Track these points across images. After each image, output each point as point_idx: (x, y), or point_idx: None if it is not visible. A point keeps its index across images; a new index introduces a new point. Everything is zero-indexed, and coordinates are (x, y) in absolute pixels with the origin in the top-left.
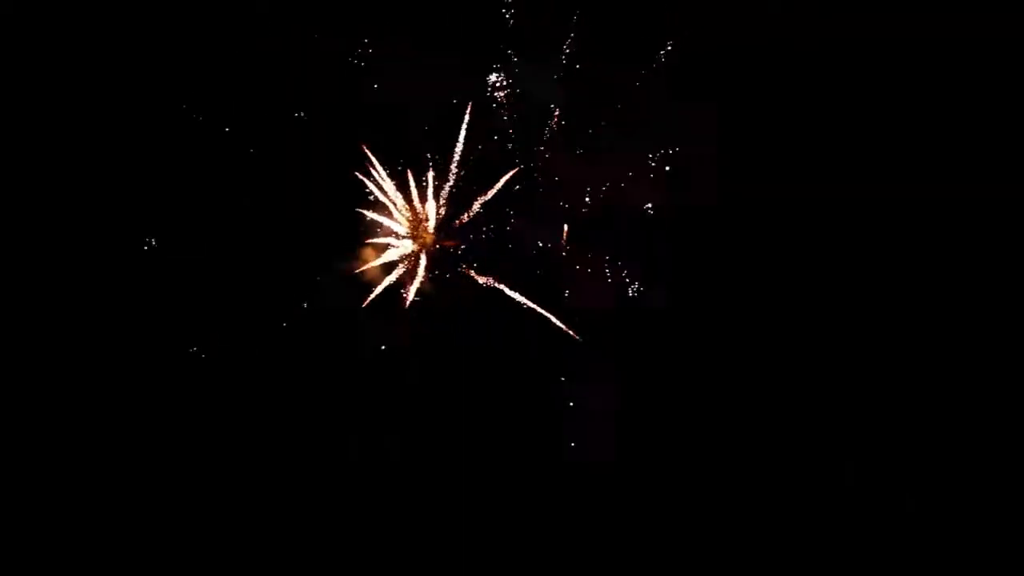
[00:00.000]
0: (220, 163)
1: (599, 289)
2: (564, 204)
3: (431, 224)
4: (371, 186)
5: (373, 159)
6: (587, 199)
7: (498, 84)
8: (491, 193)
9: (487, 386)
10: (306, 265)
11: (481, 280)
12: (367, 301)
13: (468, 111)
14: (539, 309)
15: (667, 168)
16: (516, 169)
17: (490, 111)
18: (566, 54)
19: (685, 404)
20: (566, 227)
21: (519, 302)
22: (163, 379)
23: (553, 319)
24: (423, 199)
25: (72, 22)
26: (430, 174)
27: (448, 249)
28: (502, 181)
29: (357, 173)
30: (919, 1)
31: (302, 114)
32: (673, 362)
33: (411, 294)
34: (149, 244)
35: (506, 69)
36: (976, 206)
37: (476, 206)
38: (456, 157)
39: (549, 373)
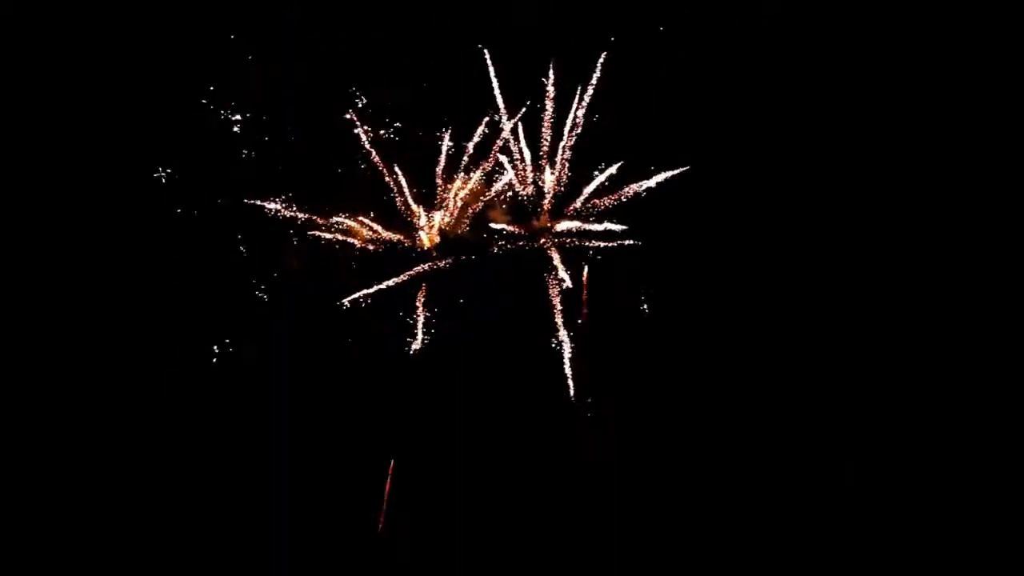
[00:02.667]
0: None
1: (597, 290)
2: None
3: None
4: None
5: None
6: (584, 199)
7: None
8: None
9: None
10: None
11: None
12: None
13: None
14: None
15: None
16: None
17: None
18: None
19: (685, 404)
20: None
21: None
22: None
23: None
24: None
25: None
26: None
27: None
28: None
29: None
30: (919, 1)
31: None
32: (673, 363)
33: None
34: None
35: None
36: (975, 206)
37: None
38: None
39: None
